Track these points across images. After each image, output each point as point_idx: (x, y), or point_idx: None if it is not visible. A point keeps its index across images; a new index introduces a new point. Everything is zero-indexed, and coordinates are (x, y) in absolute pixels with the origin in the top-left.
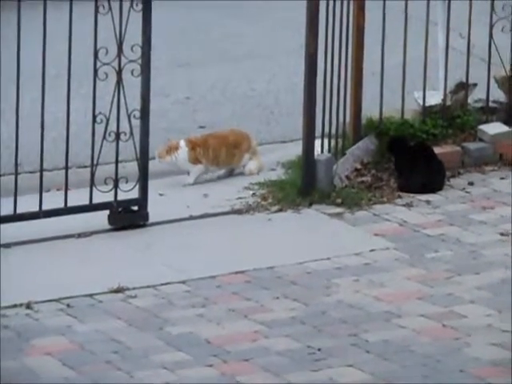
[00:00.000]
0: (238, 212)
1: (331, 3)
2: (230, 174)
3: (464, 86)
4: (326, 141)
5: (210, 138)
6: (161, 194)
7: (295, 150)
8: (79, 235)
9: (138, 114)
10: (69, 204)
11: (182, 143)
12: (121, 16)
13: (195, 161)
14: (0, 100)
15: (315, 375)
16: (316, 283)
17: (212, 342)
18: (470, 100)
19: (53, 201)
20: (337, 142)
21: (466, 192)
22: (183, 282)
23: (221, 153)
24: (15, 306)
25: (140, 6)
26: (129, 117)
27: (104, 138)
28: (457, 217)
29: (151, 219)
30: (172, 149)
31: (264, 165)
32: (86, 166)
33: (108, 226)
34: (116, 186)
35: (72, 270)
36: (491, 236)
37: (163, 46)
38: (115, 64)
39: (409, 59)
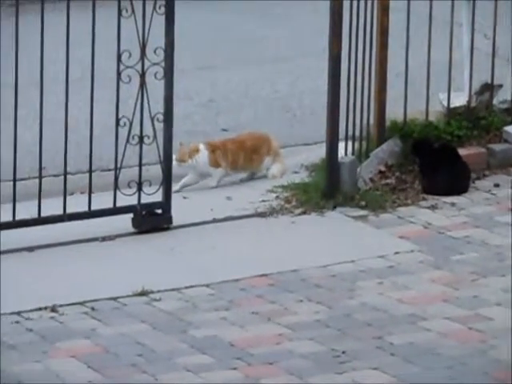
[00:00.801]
0: (262, 215)
1: (355, 4)
2: (252, 177)
3: (489, 87)
4: (349, 143)
5: (228, 143)
6: (184, 197)
7: (319, 152)
8: (103, 238)
9: (161, 117)
10: (93, 207)
11: (202, 146)
12: (144, 19)
13: (216, 164)
14: (17, 103)
15: (339, 378)
16: (340, 286)
17: (236, 345)
18: (494, 101)
19: (77, 204)
20: (361, 145)
21: (492, 194)
22: (207, 285)
23: (239, 157)
24: (40, 309)
25: (163, 9)
26: (152, 120)
27: (127, 141)
28: (482, 219)
29: (175, 222)
30: (192, 152)
31: (287, 168)
32: (109, 170)
33: (132, 229)
34: (140, 189)
35: (96, 273)
36: None
37: (186, 49)
38: (138, 67)
39: (433, 60)
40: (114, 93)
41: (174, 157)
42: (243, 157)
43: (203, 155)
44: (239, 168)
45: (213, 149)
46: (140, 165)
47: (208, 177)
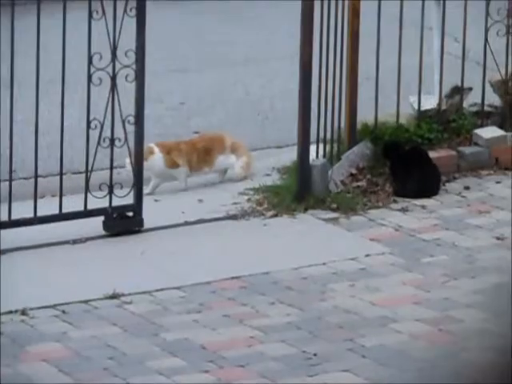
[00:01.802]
0: (233, 217)
1: (326, 8)
2: (222, 179)
3: (459, 90)
4: (321, 146)
5: (181, 144)
6: (156, 200)
7: (290, 155)
8: (74, 241)
9: (132, 119)
10: (63, 210)
11: (156, 149)
12: (114, 21)
13: (173, 164)
14: None
15: (311, 380)
16: (312, 288)
17: (207, 348)
18: (465, 104)
19: (47, 207)
20: (332, 147)
21: (462, 196)
22: (178, 288)
23: (193, 158)
24: (10, 312)
25: (134, 11)
26: (123, 122)
27: (98, 143)
28: (452, 221)
29: (146, 225)
30: (147, 154)
31: (251, 162)
32: (80, 172)
33: (103, 232)
34: (111, 192)
35: (67, 276)
36: (487, 240)
37: (157, 52)
38: (109, 69)
39: (404, 64)
40: (84, 95)
41: (127, 160)
42: (196, 157)
43: (158, 157)
44: (193, 169)
45: (167, 150)
46: (111, 167)
47: (169, 178)
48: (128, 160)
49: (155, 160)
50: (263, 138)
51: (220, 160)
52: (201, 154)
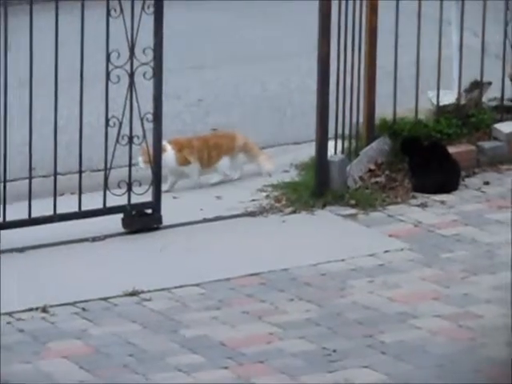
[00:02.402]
0: (252, 214)
1: (343, 4)
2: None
3: (478, 85)
4: (339, 142)
5: (193, 140)
6: (174, 197)
7: (308, 151)
8: (93, 239)
9: (150, 116)
10: (83, 208)
11: (168, 146)
12: (132, 18)
13: (185, 161)
14: (7, 104)
15: (330, 376)
16: (330, 285)
17: (227, 345)
18: (484, 99)
19: (67, 205)
20: (350, 143)
21: (482, 191)
22: (197, 285)
23: (204, 155)
24: (31, 309)
25: (152, 9)
26: (141, 120)
27: (117, 141)
28: (472, 217)
29: (165, 222)
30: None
31: (269, 158)
32: (99, 170)
33: (122, 230)
34: (129, 190)
35: (87, 273)
36: (507, 235)
37: (175, 49)
38: (127, 67)
39: (422, 58)
40: (103, 93)
41: (140, 158)
42: (207, 154)
43: (170, 155)
44: (204, 165)
45: (179, 147)
46: (130, 165)
47: (182, 175)
48: (141, 158)
49: (167, 157)
50: (281, 134)
51: (225, 160)
52: (210, 151)
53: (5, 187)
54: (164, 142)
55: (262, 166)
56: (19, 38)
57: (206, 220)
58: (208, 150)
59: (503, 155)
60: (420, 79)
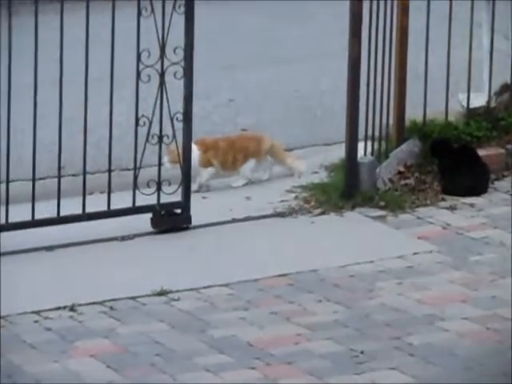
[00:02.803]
0: (281, 215)
1: (375, 5)
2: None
3: (508, 88)
4: (369, 143)
5: (220, 142)
6: (204, 197)
7: (338, 152)
8: (122, 238)
9: (180, 116)
10: (112, 207)
11: (194, 146)
12: (163, 18)
13: (207, 163)
14: (36, 103)
15: (358, 378)
16: (359, 286)
17: (254, 345)
18: None
19: (96, 204)
20: (380, 145)
21: (511, 195)
22: (226, 285)
23: (229, 157)
24: (59, 308)
25: (182, 8)
26: (171, 119)
27: (147, 140)
28: (501, 220)
29: (194, 222)
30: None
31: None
32: (128, 169)
33: (151, 229)
34: (159, 189)
35: (115, 272)
36: None
37: (206, 48)
38: (158, 66)
39: (453, 61)
40: (133, 92)
41: (165, 158)
42: (232, 157)
43: (194, 155)
44: (229, 168)
45: (205, 149)
46: (159, 164)
47: (201, 175)
48: (166, 158)
49: (192, 158)
50: (311, 136)
51: (252, 163)
52: (236, 153)
53: (34, 186)
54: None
55: (294, 167)
56: (49, 36)
57: (235, 220)
58: (234, 153)
59: None
60: (450, 81)
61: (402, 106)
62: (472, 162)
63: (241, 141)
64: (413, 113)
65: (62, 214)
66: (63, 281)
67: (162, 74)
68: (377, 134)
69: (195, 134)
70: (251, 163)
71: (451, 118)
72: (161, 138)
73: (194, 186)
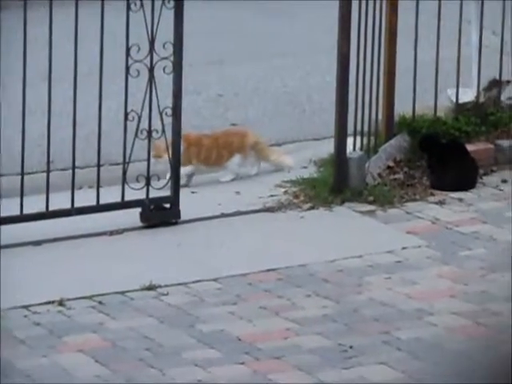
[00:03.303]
0: (270, 210)
1: (364, 1)
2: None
3: (497, 83)
4: (358, 138)
5: (203, 138)
6: (193, 192)
7: (327, 147)
8: (111, 233)
9: (169, 111)
10: (101, 201)
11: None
12: (153, 13)
13: (186, 161)
14: (25, 97)
15: (346, 373)
16: (348, 281)
17: (243, 340)
18: (503, 97)
19: (85, 198)
20: (369, 140)
21: (499, 190)
22: (215, 280)
23: (212, 154)
24: (47, 303)
25: (172, 3)
26: (161, 114)
27: (136, 135)
28: (490, 214)
29: (183, 217)
30: (169, 147)
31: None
32: (117, 164)
33: (140, 224)
34: (148, 184)
35: (104, 267)
36: None
37: (195, 44)
38: (147, 61)
39: (442, 57)
40: (122, 87)
41: (151, 153)
42: (216, 153)
43: None
44: (212, 164)
45: (187, 145)
46: (148, 159)
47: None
48: (152, 153)
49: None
50: (300, 131)
51: (237, 158)
52: (220, 149)
53: (22, 180)
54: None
55: (280, 163)
56: (39, 31)
57: (224, 215)
58: (217, 149)
59: None
60: (439, 77)
61: (391, 102)
62: (461, 156)
63: (225, 137)
64: (402, 108)
65: (51, 208)
66: (52, 275)
67: (151, 69)
68: (366, 129)
69: (184, 129)
70: (237, 158)
71: (440, 114)
72: (150, 132)
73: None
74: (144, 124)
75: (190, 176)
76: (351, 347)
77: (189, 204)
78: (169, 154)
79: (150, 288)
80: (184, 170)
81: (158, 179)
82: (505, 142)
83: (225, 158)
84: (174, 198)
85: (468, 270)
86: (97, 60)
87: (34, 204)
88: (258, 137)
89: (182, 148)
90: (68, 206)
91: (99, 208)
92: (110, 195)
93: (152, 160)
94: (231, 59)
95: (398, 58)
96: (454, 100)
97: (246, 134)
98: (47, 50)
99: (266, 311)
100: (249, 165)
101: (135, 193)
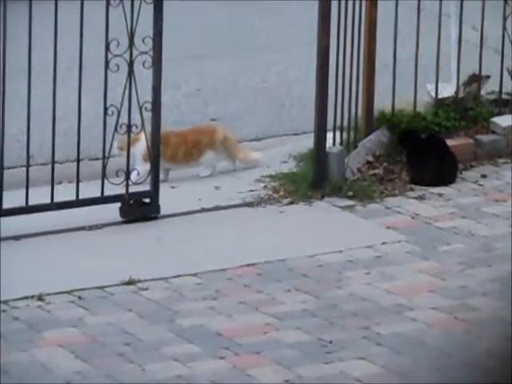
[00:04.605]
0: (250, 205)
1: None
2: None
3: (477, 78)
4: (337, 133)
5: (171, 136)
6: (172, 187)
7: (307, 142)
8: (90, 227)
9: (149, 106)
10: (80, 196)
11: (143, 136)
12: (132, 7)
13: (147, 158)
14: (5, 92)
15: (326, 368)
16: (327, 276)
17: (223, 335)
18: (482, 92)
19: (64, 193)
20: (349, 135)
21: (479, 185)
22: (194, 275)
23: (179, 151)
24: (26, 297)
25: None
26: (140, 109)
27: (115, 130)
28: (469, 209)
29: (163, 212)
30: (133, 141)
31: (250, 154)
32: (97, 159)
33: (119, 219)
34: (127, 179)
35: (83, 262)
36: (504, 229)
37: (175, 38)
38: (127, 56)
39: (421, 52)
40: (102, 82)
41: (115, 144)
42: (183, 151)
43: (141, 146)
44: (178, 162)
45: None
46: (128, 154)
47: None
48: (116, 144)
49: (137, 148)
50: (280, 125)
51: (210, 154)
52: (188, 147)
53: (2, 175)
54: (141, 133)
55: (249, 159)
56: (18, 26)
57: (203, 210)
58: (186, 147)
59: (501, 149)
60: (419, 72)
61: (370, 97)
62: (440, 152)
63: (194, 134)
64: (381, 103)
65: (31, 203)
66: (31, 270)
67: (130, 64)
68: (345, 124)
69: (164, 124)
70: (209, 154)
71: (420, 109)
72: (129, 127)
73: (133, 176)
74: (123, 119)
75: (166, 171)
76: (331, 342)
77: (168, 199)
78: (128, 149)
79: (130, 283)
80: (143, 167)
81: (138, 174)
82: (484, 137)
83: (195, 156)
84: (154, 193)
85: (447, 265)
86: (76, 55)
87: (14, 199)
88: (227, 132)
89: (145, 145)
90: (48, 200)
91: (79, 203)
92: (90, 190)
93: (116, 151)
94: (211, 54)
95: (378, 52)
96: (434, 95)
97: (216, 130)
98: (26, 45)
99: (246, 306)
100: (223, 159)
101: (115, 188)
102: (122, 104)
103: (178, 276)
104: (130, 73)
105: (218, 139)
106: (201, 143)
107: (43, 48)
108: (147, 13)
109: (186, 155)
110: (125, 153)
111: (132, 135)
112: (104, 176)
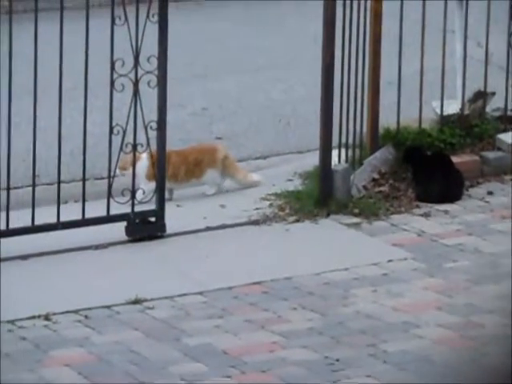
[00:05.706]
0: (256, 223)
1: (348, 12)
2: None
3: (482, 95)
4: (343, 151)
5: (172, 155)
6: (178, 206)
7: (312, 160)
8: (96, 247)
9: (154, 125)
10: (86, 215)
11: (145, 156)
12: (137, 27)
13: (151, 177)
14: (10, 112)
15: None
16: (334, 294)
17: (229, 353)
18: (488, 109)
19: (70, 212)
20: (354, 152)
21: (485, 201)
22: (200, 293)
23: (180, 171)
24: (33, 317)
25: (156, 17)
26: (145, 128)
27: (121, 149)
28: (475, 226)
29: (168, 230)
30: (135, 161)
31: (246, 177)
32: (103, 178)
33: (125, 238)
34: (133, 198)
35: (90, 281)
36: (510, 245)
37: (180, 57)
38: (132, 75)
39: (426, 68)
40: (107, 101)
41: (118, 165)
42: (184, 170)
43: (143, 165)
44: (180, 181)
45: (154, 161)
46: (133, 173)
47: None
48: (118, 164)
49: (139, 167)
50: (285, 143)
51: (210, 173)
52: (190, 166)
53: (8, 194)
54: (144, 153)
55: (248, 180)
56: (24, 45)
57: (209, 228)
58: (187, 166)
59: (507, 165)
60: (424, 89)
61: (375, 114)
62: (446, 168)
63: (195, 153)
64: (386, 120)
65: (37, 222)
66: (38, 290)
67: (135, 83)
68: (351, 141)
69: (169, 143)
70: (211, 172)
71: (425, 125)
72: (135, 146)
73: (138, 195)
74: (129, 138)
75: (170, 190)
76: (338, 360)
77: (174, 217)
78: (134, 168)
79: (136, 302)
80: (148, 186)
81: (144, 193)
82: (490, 154)
83: (196, 174)
84: (160, 212)
85: (453, 283)
86: (82, 74)
87: (20, 218)
88: (227, 152)
89: (147, 164)
90: (54, 220)
91: (85, 222)
92: (96, 209)
93: (117, 172)
94: (215, 72)
95: (382, 69)
96: (439, 112)
97: (217, 149)
98: (32, 65)
99: (252, 324)
100: (224, 178)
101: (120, 207)
102: (127, 123)
103: (184, 295)
104: (136, 92)
105: (219, 158)
106: (202, 162)
107: (49, 67)
108: (152, 32)
109: (188, 174)
110: (126, 172)
111: (132, 156)
112: (110, 195)
